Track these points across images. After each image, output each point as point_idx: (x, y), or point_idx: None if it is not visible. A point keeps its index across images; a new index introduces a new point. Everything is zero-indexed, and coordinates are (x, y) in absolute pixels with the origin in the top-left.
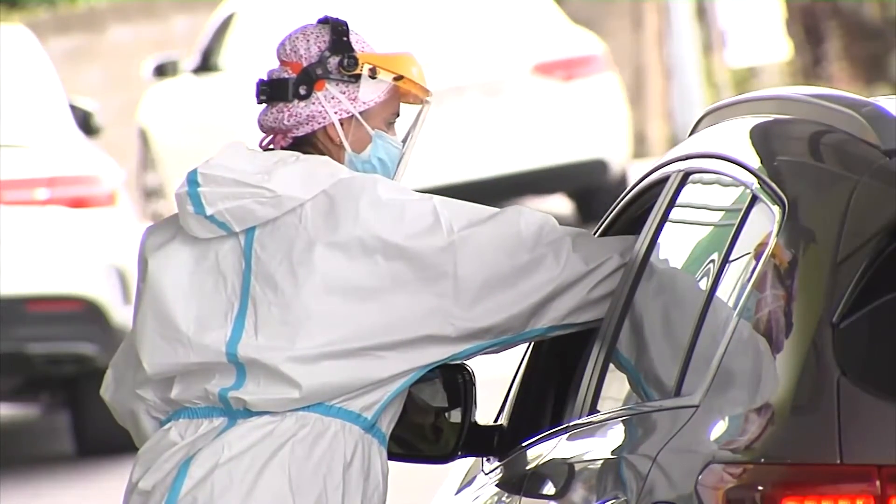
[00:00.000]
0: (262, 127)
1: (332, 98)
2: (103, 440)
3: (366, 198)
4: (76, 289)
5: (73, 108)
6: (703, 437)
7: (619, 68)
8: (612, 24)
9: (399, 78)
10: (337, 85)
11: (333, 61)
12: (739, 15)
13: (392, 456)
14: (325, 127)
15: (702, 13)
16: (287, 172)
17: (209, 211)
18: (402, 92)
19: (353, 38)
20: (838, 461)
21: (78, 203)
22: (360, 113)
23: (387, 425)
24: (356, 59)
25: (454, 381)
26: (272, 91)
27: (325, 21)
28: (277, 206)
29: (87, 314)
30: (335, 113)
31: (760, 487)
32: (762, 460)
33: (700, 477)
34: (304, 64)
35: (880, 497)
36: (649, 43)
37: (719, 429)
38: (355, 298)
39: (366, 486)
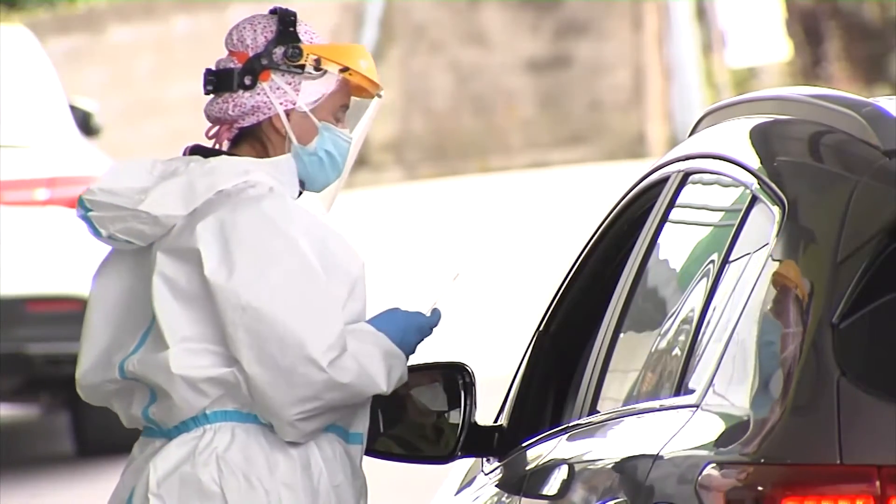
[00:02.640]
0: (208, 117)
1: (278, 89)
2: (103, 440)
3: (218, 214)
4: (76, 289)
5: (73, 108)
6: (703, 437)
7: (619, 68)
8: (612, 24)
9: (345, 70)
10: (283, 76)
11: (279, 52)
12: (739, 15)
13: (392, 456)
14: (270, 118)
15: (702, 13)
16: (165, 189)
17: (104, 234)
18: (351, 85)
19: (300, 30)
20: (838, 461)
21: None
22: (307, 104)
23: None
24: (300, 50)
25: (454, 381)
26: (218, 81)
27: (274, 12)
28: (159, 225)
29: None
30: (280, 104)
31: (760, 487)
32: (762, 460)
33: (700, 477)
34: (250, 54)
35: (880, 497)
36: (649, 43)
37: (719, 429)
38: (195, 304)
39: (306, 476)
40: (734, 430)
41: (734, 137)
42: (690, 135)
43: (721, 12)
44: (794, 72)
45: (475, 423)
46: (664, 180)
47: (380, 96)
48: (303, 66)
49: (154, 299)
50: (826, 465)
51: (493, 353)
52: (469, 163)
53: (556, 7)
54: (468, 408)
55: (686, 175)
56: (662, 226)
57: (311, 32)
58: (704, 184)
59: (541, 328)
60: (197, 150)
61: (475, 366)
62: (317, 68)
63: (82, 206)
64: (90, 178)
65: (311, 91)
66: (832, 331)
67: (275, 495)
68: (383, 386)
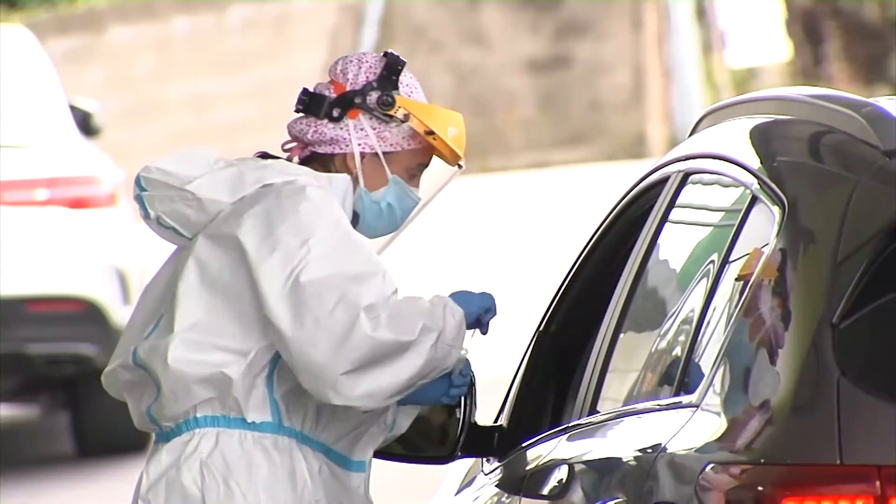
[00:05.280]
0: (289, 132)
1: (361, 129)
2: (103, 441)
3: (264, 204)
4: (76, 289)
5: (73, 108)
6: (703, 437)
7: (619, 68)
8: (612, 24)
9: (430, 133)
10: (370, 119)
11: (374, 95)
12: (739, 15)
13: (393, 456)
14: (345, 154)
15: (702, 13)
16: (216, 177)
17: (152, 214)
18: (434, 148)
19: (403, 80)
20: (838, 461)
21: (78, 203)
22: (384, 154)
23: (310, 425)
24: (393, 100)
25: None
26: (310, 103)
27: (386, 55)
28: (203, 210)
29: (87, 314)
30: (358, 144)
31: (760, 488)
32: (762, 460)
33: (700, 477)
34: (347, 88)
35: (880, 497)
36: (649, 43)
37: (719, 429)
38: (218, 292)
39: (290, 484)
40: (734, 430)
41: (734, 137)
42: (690, 135)
43: (721, 12)
44: (794, 72)
45: (475, 423)
46: (664, 180)
47: (460, 167)
48: (391, 117)
49: (180, 280)
50: (826, 465)
51: (493, 353)
52: (469, 163)
53: (556, 7)
54: (468, 408)
55: (686, 175)
56: (662, 226)
57: (413, 86)
58: (704, 184)
59: (541, 328)
60: (264, 157)
61: (475, 366)
62: (403, 122)
63: (138, 185)
64: (90, 178)
65: (391, 141)
66: (832, 331)
67: (253, 500)
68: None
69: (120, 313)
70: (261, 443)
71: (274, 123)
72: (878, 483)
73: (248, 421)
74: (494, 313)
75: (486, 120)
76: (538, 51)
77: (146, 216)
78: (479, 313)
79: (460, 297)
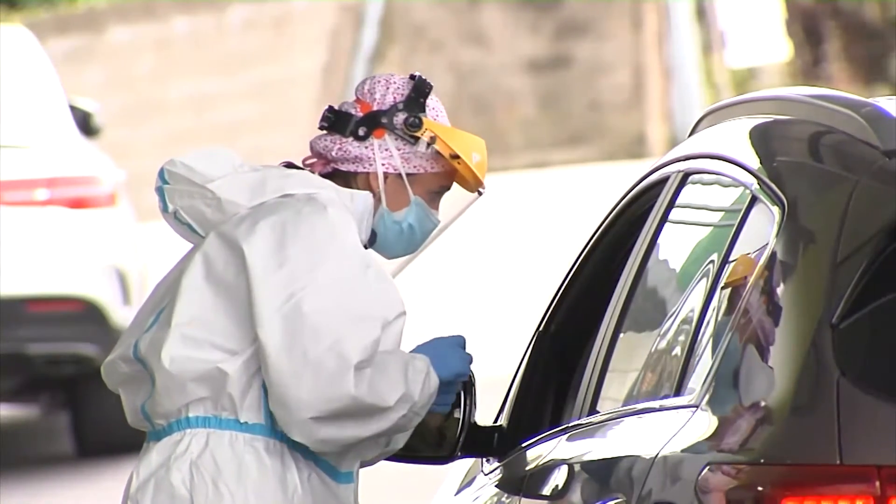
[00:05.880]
0: (311, 149)
1: (386, 150)
2: (103, 441)
3: (281, 215)
4: (76, 289)
5: (73, 108)
6: (703, 437)
7: (619, 68)
8: (612, 24)
9: (455, 157)
10: (396, 140)
11: (401, 116)
12: (739, 15)
13: (392, 456)
14: (368, 174)
15: (702, 13)
16: (238, 179)
17: (170, 208)
18: (457, 172)
19: (429, 104)
20: (838, 462)
21: (78, 203)
22: (407, 175)
23: None
24: (421, 122)
25: None
26: (335, 121)
27: (413, 77)
28: (221, 210)
29: (87, 314)
30: (382, 165)
31: (760, 488)
32: (762, 461)
33: (700, 477)
34: (374, 107)
35: (880, 497)
36: (649, 43)
37: (719, 429)
38: (221, 290)
39: (280, 488)
40: (734, 431)
41: (734, 137)
42: (690, 135)
43: (721, 12)
44: (794, 72)
45: (475, 423)
46: (664, 180)
47: (480, 193)
48: (417, 139)
49: (185, 273)
50: (826, 466)
51: (493, 353)
52: None
53: (556, 7)
54: (468, 408)
55: (686, 175)
56: (662, 226)
57: (439, 109)
58: (704, 184)
59: (541, 328)
60: (289, 167)
61: (475, 366)
62: (429, 145)
63: (161, 178)
64: (90, 178)
65: (416, 163)
66: (832, 331)
67: (241, 502)
68: (391, 403)
69: (120, 313)
70: (252, 445)
71: (274, 123)
72: (877, 483)
73: (241, 421)
74: (464, 378)
75: (486, 120)
76: (538, 51)
77: (164, 209)
78: (451, 378)
79: (439, 358)
